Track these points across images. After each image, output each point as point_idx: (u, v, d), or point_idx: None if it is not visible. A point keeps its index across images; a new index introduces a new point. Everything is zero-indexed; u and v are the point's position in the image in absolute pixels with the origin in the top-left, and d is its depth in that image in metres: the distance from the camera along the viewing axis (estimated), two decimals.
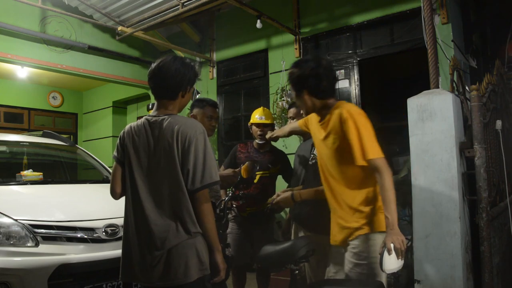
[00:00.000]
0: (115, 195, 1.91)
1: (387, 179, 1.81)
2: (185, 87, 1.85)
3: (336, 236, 2.09)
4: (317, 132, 2.15)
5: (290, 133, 2.82)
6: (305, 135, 2.81)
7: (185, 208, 1.72)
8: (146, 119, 1.85)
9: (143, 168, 1.80)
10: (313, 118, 2.21)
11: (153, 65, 1.87)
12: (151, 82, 1.87)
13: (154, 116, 1.83)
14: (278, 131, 3.01)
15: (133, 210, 1.80)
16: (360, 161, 1.86)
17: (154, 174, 1.77)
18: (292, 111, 3.10)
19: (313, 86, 2.01)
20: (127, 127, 1.90)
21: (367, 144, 1.85)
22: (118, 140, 1.91)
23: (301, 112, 2.84)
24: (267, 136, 3.13)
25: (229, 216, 3.03)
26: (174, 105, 1.86)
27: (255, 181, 3.17)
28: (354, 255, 1.97)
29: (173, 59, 1.86)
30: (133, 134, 1.84)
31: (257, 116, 3.25)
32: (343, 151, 1.96)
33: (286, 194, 2.44)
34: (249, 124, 3.34)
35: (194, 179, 1.71)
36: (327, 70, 2.04)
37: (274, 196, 2.54)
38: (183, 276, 1.68)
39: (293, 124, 2.75)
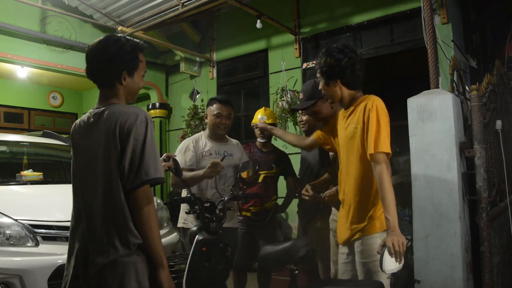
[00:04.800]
0: None
1: (386, 177, 1.82)
2: (120, 72, 1.58)
3: (339, 234, 2.11)
4: (340, 125, 2.14)
5: (310, 147, 2.58)
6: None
7: (121, 214, 1.45)
8: (90, 112, 1.63)
9: (81, 168, 1.58)
10: (340, 114, 2.19)
11: (87, 49, 1.65)
12: (86, 65, 1.64)
13: (96, 108, 1.61)
14: (279, 133, 2.80)
15: (74, 216, 1.58)
16: (371, 150, 1.86)
17: (91, 174, 1.52)
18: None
19: (348, 76, 1.98)
20: (74, 123, 1.68)
21: (381, 137, 1.86)
22: None
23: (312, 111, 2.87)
24: (259, 125, 3.02)
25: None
26: (115, 94, 1.61)
27: (259, 180, 3.18)
28: (360, 254, 1.99)
29: (106, 38, 1.61)
30: (75, 131, 1.64)
31: (259, 116, 3.28)
32: (358, 143, 1.96)
33: (332, 190, 2.40)
34: (251, 124, 3.36)
35: (129, 176, 1.44)
36: (362, 60, 2.03)
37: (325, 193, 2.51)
38: None
39: (311, 138, 2.48)
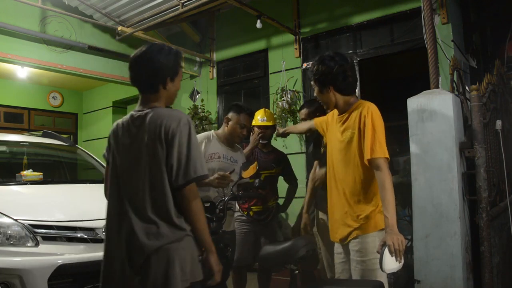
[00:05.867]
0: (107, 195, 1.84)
1: (387, 180, 1.86)
2: (164, 78, 1.73)
3: (335, 232, 2.12)
4: (334, 127, 2.18)
5: (308, 131, 2.85)
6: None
7: (166, 207, 1.60)
8: (131, 114, 1.76)
9: (125, 166, 1.70)
10: (334, 114, 2.24)
11: (132, 55, 1.77)
12: (129, 73, 1.77)
13: (139, 111, 1.74)
14: (291, 127, 3.06)
15: (115, 212, 1.69)
16: (368, 156, 1.92)
17: (136, 171, 1.66)
18: (303, 112, 3.11)
19: (340, 82, 2.05)
20: (114, 124, 1.81)
21: (377, 143, 1.92)
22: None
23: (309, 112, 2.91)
24: (280, 131, 3.15)
25: (235, 215, 3.06)
26: (157, 98, 1.74)
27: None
28: (356, 253, 2.00)
29: (150, 47, 1.75)
30: (118, 131, 1.76)
31: (259, 118, 3.27)
32: (355, 148, 2.01)
33: (321, 173, 2.52)
34: (251, 126, 3.35)
35: (178, 174, 1.60)
36: (352, 67, 2.10)
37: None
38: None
39: (309, 123, 2.72)
